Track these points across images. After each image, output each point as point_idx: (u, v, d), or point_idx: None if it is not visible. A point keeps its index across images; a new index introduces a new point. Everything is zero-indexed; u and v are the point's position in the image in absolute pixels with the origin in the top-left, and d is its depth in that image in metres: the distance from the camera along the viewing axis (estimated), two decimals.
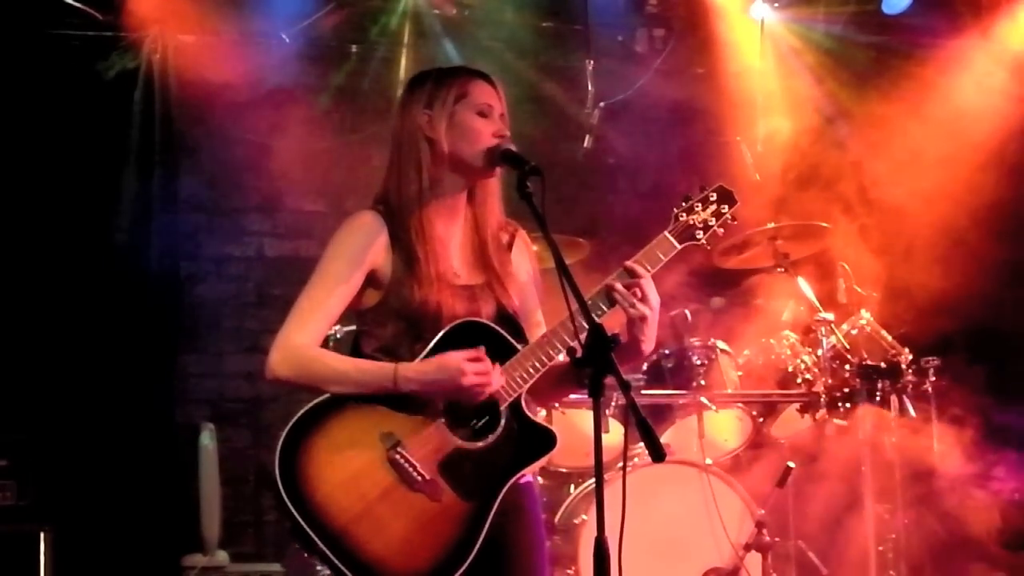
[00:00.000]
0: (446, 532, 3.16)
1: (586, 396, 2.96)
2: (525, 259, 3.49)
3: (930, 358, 5.89)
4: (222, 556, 6.27)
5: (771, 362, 5.96)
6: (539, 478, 5.59)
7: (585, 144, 6.56)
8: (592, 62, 6.62)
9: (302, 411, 3.19)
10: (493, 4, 6.93)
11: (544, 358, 3.25)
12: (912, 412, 5.81)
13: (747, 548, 5.19)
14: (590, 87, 6.59)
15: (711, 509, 5.23)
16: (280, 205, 6.94)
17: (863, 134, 7.22)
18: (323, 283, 3.29)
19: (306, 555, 3.17)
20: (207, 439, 6.44)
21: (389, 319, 3.30)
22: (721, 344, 5.89)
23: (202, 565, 6.19)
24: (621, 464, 5.12)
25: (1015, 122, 6.94)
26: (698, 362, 5.70)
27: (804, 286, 6.01)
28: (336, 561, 3.09)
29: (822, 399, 5.74)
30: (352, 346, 3.42)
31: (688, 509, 5.26)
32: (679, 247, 3.36)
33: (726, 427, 5.89)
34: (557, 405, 5.40)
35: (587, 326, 3.00)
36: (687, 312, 5.86)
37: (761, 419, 5.93)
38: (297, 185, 6.82)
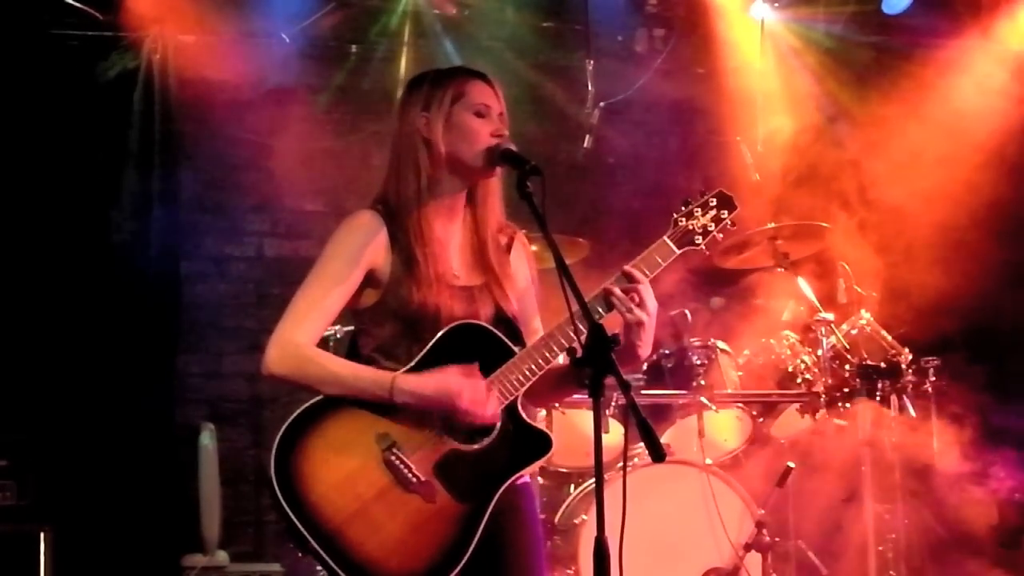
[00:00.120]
0: (441, 533, 3.16)
1: (586, 396, 2.96)
2: (523, 263, 3.49)
3: (930, 358, 5.90)
4: (222, 556, 6.28)
5: (771, 362, 5.97)
6: (539, 478, 5.61)
7: (585, 144, 6.56)
8: (592, 62, 6.62)
9: (298, 411, 3.19)
10: (493, 4, 6.93)
11: (541, 361, 3.25)
12: (912, 412, 5.82)
13: (747, 548, 5.19)
14: (590, 87, 6.59)
15: (711, 509, 5.23)
16: (280, 205, 6.94)
17: (863, 134, 7.22)
18: (321, 282, 3.29)
19: (300, 555, 3.16)
20: (207, 439, 6.44)
21: (387, 319, 3.30)
22: (721, 344, 5.89)
23: (202, 565, 6.19)
24: (621, 464, 5.12)
25: (1015, 122, 6.94)
26: (698, 362, 5.70)
27: (804, 286, 6.01)
28: (330, 561, 3.10)
29: (822, 399, 5.74)
30: (349, 346, 3.42)
31: (688, 509, 5.26)
32: (678, 252, 3.35)
33: (726, 427, 5.89)
34: (557, 405, 5.40)
35: (587, 326, 3.00)
36: (687, 312, 5.86)
37: (761, 419, 5.93)
38: (297, 185, 6.82)
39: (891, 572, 5.79)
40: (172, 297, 6.66)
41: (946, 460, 5.98)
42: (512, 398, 3.25)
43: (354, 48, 7.01)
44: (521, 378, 3.24)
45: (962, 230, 6.74)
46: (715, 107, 7.11)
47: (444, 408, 3.17)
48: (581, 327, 3.09)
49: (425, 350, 3.23)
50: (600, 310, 3.23)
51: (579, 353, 3.00)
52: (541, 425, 3.52)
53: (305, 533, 3.09)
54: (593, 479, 4.65)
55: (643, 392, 5.59)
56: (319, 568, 3.16)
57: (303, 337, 3.25)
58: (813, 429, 5.91)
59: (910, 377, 5.77)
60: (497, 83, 3.43)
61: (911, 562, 5.94)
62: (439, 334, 3.24)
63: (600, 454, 2.88)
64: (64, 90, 6.22)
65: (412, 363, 3.23)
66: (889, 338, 5.91)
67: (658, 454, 2.85)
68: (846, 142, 7.28)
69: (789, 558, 5.96)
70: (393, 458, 3.17)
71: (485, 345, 3.26)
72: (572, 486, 5.79)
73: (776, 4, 7.07)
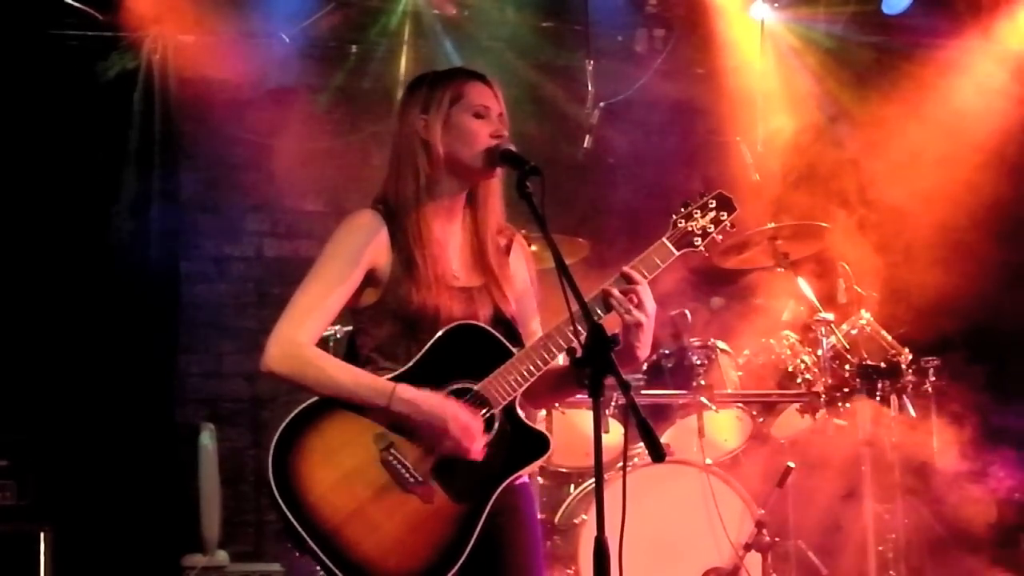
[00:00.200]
0: (438, 534, 3.16)
1: (586, 396, 2.96)
2: (522, 265, 3.49)
3: (930, 358, 5.90)
4: (222, 556, 6.27)
5: (771, 362, 5.97)
6: (539, 478, 5.61)
7: (585, 144, 6.56)
8: (592, 62, 6.62)
9: (297, 410, 3.19)
10: (493, 4, 6.93)
11: (539, 362, 3.25)
12: (912, 412, 5.82)
13: (747, 548, 5.19)
14: (590, 87, 6.59)
15: (711, 509, 5.23)
16: (280, 205, 6.94)
17: (863, 134, 7.22)
18: (322, 281, 3.29)
19: (298, 554, 3.16)
20: (207, 439, 6.44)
21: (386, 319, 3.30)
22: (721, 344, 5.90)
23: (202, 565, 6.19)
24: (621, 464, 5.12)
25: (1015, 122, 6.94)
26: (698, 362, 5.70)
27: (804, 286, 6.01)
28: (327, 561, 3.10)
29: (822, 399, 5.75)
30: (347, 344, 3.42)
31: (688, 509, 5.26)
32: (677, 254, 3.35)
33: (726, 427, 5.89)
34: (557, 405, 5.40)
35: (587, 326, 3.00)
36: (687, 312, 5.86)
37: (761, 419, 5.93)
38: (297, 185, 6.82)
39: (891, 572, 5.79)
40: (172, 297, 6.66)
41: (946, 460, 5.98)
42: (510, 399, 3.25)
43: (354, 48, 7.01)
44: (519, 379, 3.24)
45: (962, 230, 6.74)
46: (715, 107, 7.11)
47: (435, 428, 3.16)
48: (580, 328, 3.10)
49: (424, 350, 3.23)
50: (599, 311, 3.23)
51: (579, 353, 3.00)
52: (540, 426, 3.52)
53: (303, 533, 3.09)
54: (593, 479, 4.65)
55: (643, 392, 5.59)
56: (318, 568, 3.16)
57: (303, 336, 3.25)
58: (813, 429, 5.91)
59: (910, 377, 5.77)
60: (497, 84, 3.43)
61: (911, 561, 5.94)
62: (437, 335, 3.24)
63: (600, 454, 2.88)
64: (64, 90, 6.22)
65: (410, 363, 3.23)
66: (889, 338, 5.91)
67: (658, 454, 2.85)
68: (846, 142, 7.28)
69: (789, 558, 5.97)
70: (391, 458, 3.17)
71: (483, 346, 3.26)
72: (572, 486, 5.79)
73: (776, 4, 7.07)
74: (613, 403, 5.33)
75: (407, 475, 3.17)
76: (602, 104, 6.61)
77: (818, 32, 7.18)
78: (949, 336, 6.58)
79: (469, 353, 3.25)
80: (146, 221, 6.50)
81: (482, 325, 3.29)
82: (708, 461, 5.45)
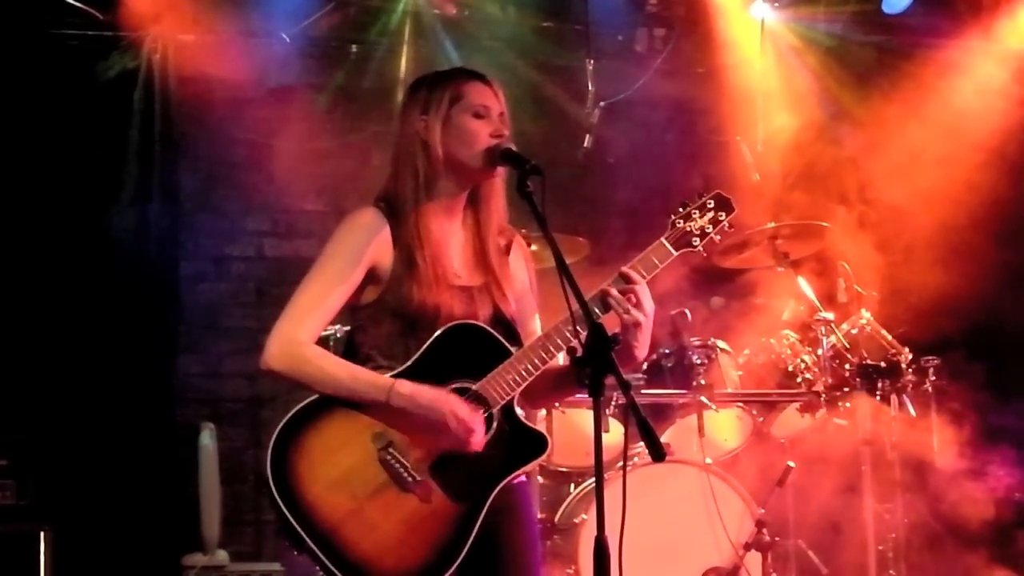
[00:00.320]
0: (436, 533, 3.17)
1: (586, 395, 2.97)
2: (522, 266, 3.50)
3: (930, 357, 5.90)
4: (222, 556, 6.27)
5: (771, 361, 5.97)
6: (539, 477, 5.61)
7: (585, 144, 6.56)
8: (592, 62, 6.62)
9: (295, 409, 3.20)
10: (493, 4, 6.92)
11: (538, 361, 3.26)
12: (912, 411, 5.82)
13: (747, 548, 5.19)
14: (590, 87, 6.59)
15: (711, 509, 5.23)
16: (280, 205, 6.94)
17: (863, 134, 7.22)
18: (323, 280, 3.29)
19: (296, 553, 3.16)
20: (207, 439, 6.44)
21: (385, 317, 3.30)
22: (721, 343, 5.89)
23: (202, 565, 6.18)
24: (621, 464, 5.12)
25: (1015, 122, 6.93)
26: (698, 361, 5.70)
27: (804, 285, 6.01)
28: (325, 560, 3.10)
29: (822, 398, 5.75)
30: (346, 342, 3.42)
31: (688, 509, 5.26)
32: (675, 254, 3.36)
33: (726, 427, 5.89)
34: (557, 404, 5.40)
35: (587, 326, 3.00)
36: (687, 311, 5.86)
37: (761, 419, 5.93)
38: (297, 185, 6.81)
39: (891, 571, 5.79)
40: (172, 297, 6.66)
41: (946, 459, 5.98)
42: (508, 398, 3.25)
43: (354, 48, 7.00)
44: (517, 378, 3.24)
45: (962, 230, 6.74)
46: (715, 107, 7.11)
47: (434, 422, 3.17)
48: (580, 328, 3.10)
49: (422, 349, 3.24)
50: (598, 311, 3.23)
51: (579, 352, 3.00)
52: (540, 427, 3.52)
53: (301, 532, 3.10)
54: (593, 478, 4.64)
55: (643, 392, 5.58)
56: (317, 568, 3.16)
57: (303, 335, 3.25)
58: (813, 428, 5.91)
59: (910, 376, 5.78)
60: (497, 83, 3.43)
61: (911, 561, 5.93)
62: (436, 334, 3.25)
63: (600, 454, 2.88)
64: (64, 90, 6.22)
65: (409, 362, 3.23)
66: (889, 337, 5.91)
67: (658, 453, 2.85)
68: (846, 142, 7.28)
69: (789, 558, 5.97)
70: (389, 457, 3.17)
71: (482, 345, 3.27)
72: (572, 486, 5.79)
73: (776, 4, 7.06)
74: (613, 402, 5.33)
75: (405, 474, 3.17)
76: (602, 104, 6.61)
77: (818, 31, 7.17)
78: (949, 336, 6.58)
79: (468, 352, 3.25)
80: (146, 221, 6.50)
81: (481, 325, 3.29)
82: (708, 461, 5.45)
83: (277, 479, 3.12)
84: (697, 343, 5.79)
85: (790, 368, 5.89)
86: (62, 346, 6.12)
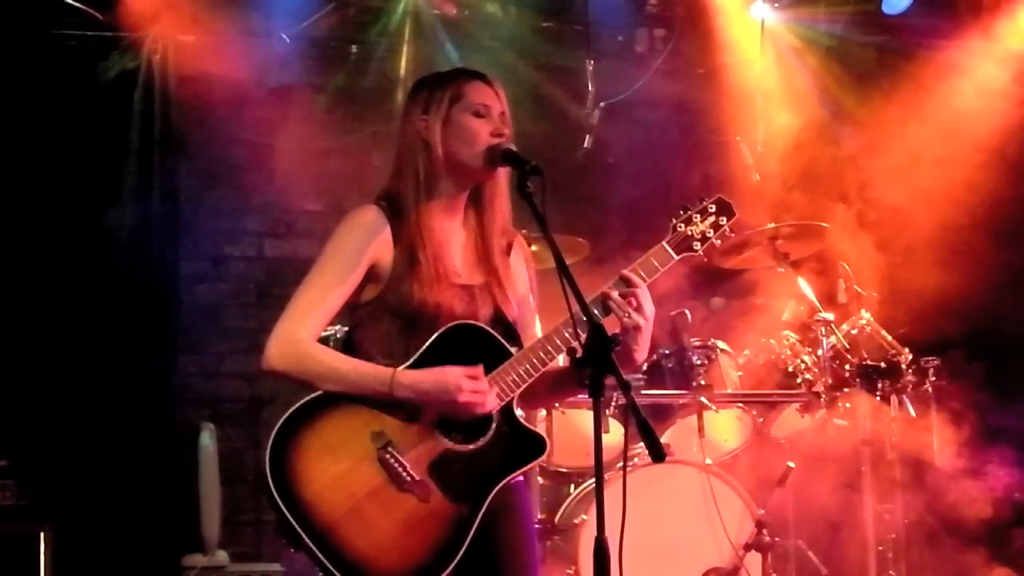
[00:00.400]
0: (434, 533, 3.17)
1: (586, 396, 2.97)
2: (522, 267, 3.50)
3: (930, 358, 5.90)
4: (222, 556, 6.27)
5: (771, 362, 5.97)
6: (539, 478, 5.61)
7: (585, 144, 6.56)
8: (592, 62, 6.62)
9: (294, 407, 3.20)
10: (493, 4, 6.92)
11: (538, 363, 3.26)
12: (912, 412, 5.82)
13: (747, 548, 5.19)
14: (590, 87, 6.59)
15: (711, 509, 5.23)
16: (280, 205, 6.94)
17: (863, 134, 7.22)
18: (323, 279, 3.30)
19: (293, 551, 3.16)
20: (207, 439, 6.44)
21: (385, 315, 3.31)
22: (721, 344, 5.89)
23: (202, 565, 6.18)
24: (621, 464, 5.12)
25: (1015, 122, 6.94)
26: (698, 362, 5.70)
27: (804, 286, 6.01)
28: (323, 558, 3.10)
29: (822, 399, 5.75)
30: (344, 340, 3.43)
31: (688, 509, 5.26)
32: (676, 258, 3.37)
33: (726, 427, 5.89)
34: (557, 405, 5.40)
35: (588, 326, 3.00)
36: (687, 312, 5.86)
37: (761, 419, 5.93)
38: (297, 185, 6.81)
39: (891, 571, 5.79)
40: (172, 297, 6.66)
41: (946, 459, 5.98)
42: (508, 399, 3.26)
43: (354, 48, 7.00)
44: (517, 379, 3.25)
45: (962, 230, 6.74)
46: (715, 107, 7.11)
47: (443, 402, 3.17)
48: (580, 331, 3.10)
49: (423, 349, 3.24)
50: (598, 314, 3.23)
51: (579, 353, 3.00)
52: (540, 428, 3.53)
53: (299, 529, 3.10)
54: (593, 479, 4.64)
55: (643, 392, 5.58)
56: (315, 567, 3.16)
57: (304, 333, 3.26)
58: (813, 428, 5.91)
59: (910, 377, 5.78)
60: (499, 83, 3.43)
61: (911, 561, 5.94)
62: (436, 334, 3.25)
63: (600, 454, 2.88)
64: (64, 90, 6.22)
65: (409, 362, 3.23)
66: (889, 338, 5.91)
67: (658, 454, 2.85)
68: (846, 142, 7.28)
69: (789, 558, 5.97)
70: (388, 457, 3.17)
71: (482, 346, 3.27)
72: (572, 486, 5.79)
73: (776, 4, 7.07)
74: (613, 403, 5.33)
75: (404, 474, 3.17)
76: (602, 104, 6.62)
77: (818, 32, 7.18)
78: (949, 336, 6.58)
79: (468, 353, 3.25)
80: (146, 221, 6.50)
81: (481, 325, 3.30)
82: (708, 461, 5.45)
83: (276, 477, 3.12)
84: (697, 343, 5.79)
85: (790, 368, 5.89)
86: (62, 346, 6.12)
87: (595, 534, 2.84)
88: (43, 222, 6.17)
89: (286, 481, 3.13)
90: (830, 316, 5.83)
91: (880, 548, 5.78)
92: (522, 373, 3.25)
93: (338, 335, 5.17)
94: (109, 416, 6.14)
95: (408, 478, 3.17)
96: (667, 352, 5.79)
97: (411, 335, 3.27)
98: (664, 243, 3.37)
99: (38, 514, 5.47)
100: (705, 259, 3.42)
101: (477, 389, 3.18)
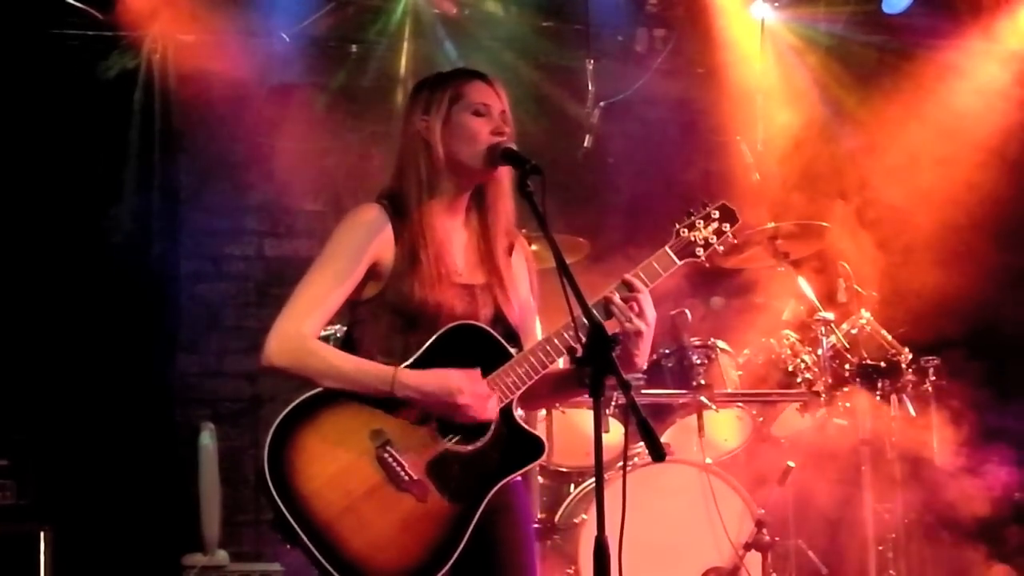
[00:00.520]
0: (430, 533, 3.17)
1: (587, 395, 2.97)
2: (523, 268, 3.51)
3: (930, 357, 5.90)
4: (222, 556, 6.27)
5: (771, 361, 5.97)
6: (539, 478, 5.61)
7: (585, 144, 6.56)
8: (592, 62, 6.62)
9: (294, 403, 3.20)
10: (493, 4, 6.92)
11: (538, 364, 3.26)
12: (912, 411, 5.82)
13: (747, 548, 5.19)
14: (590, 87, 6.59)
15: (711, 509, 5.23)
16: (280, 205, 6.94)
17: (863, 133, 7.22)
18: (324, 277, 3.29)
19: (289, 547, 3.16)
20: (207, 439, 6.44)
21: (385, 313, 3.31)
22: (721, 344, 5.89)
23: (202, 565, 6.18)
24: (621, 464, 5.12)
25: (1015, 122, 6.94)
26: (698, 361, 5.70)
27: (804, 285, 6.01)
28: (318, 555, 3.10)
29: (822, 398, 5.75)
30: (344, 338, 3.43)
31: (688, 509, 5.25)
32: (679, 263, 3.39)
33: (726, 427, 5.89)
34: (557, 404, 5.40)
35: (588, 325, 3.01)
36: (687, 311, 5.86)
37: (761, 418, 5.93)
38: (297, 184, 6.81)
39: (891, 571, 5.79)
40: (173, 296, 6.66)
41: (945, 459, 5.98)
42: (507, 401, 3.26)
43: (354, 47, 7.00)
44: (517, 381, 3.25)
45: (962, 230, 6.74)
46: (715, 107, 7.11)
47: (444, 403, 3.17)
48: (581, 333, 3.10)
49: (423, 348, 3.24)
50: (597, 315, 3.24)
51: (579, 353, 3.01)
52: (539, 430, 3.53)
53: (295, 526, 3.10)
54: (593, 479, 4.64)
55: (643, 392, 5.57)
56: (311, 564, 3.16)
57: (305, 329, 3.26)
58: (813, 428, 5.91)
59: (910, 376, 5.78)
60: (499, 82, 3.44)
61: (911, 560, 5.94)
62: (437, 334, 3.25)
63: (600, 454, 2.89)
64: (64, 90, 6.22)
65: (409, 361, 3.23)
66: (889, 337, 5.91)
67: (658, 454, 2.85)
68: (846, 142, 7.28)
69: (789, 558, 5.97)
70: (386, 456, 3.17)
71: (483, 347, 3.27)
72: (572, 486, 5.78)
73: (776, 3, 7.06)
74: (613, 403, 5.33)
75: (402, 473, 3.17)
76: (602, 104, 6.62)
77: (818, 31, 7.18)
78: (949, 336, 6.58)
79: (468, 353, 3.25)
80: (146, 220, 6.50)
81: (482, 326, 3.30)
82: (708, 461, 5.45)
83: (273, 473, 3.12)
84: (697, 343, 5.79)
85: (790, 368, 5.89)
86: (62, 346, 6.12)
87: (595, 534, 2.84)
88: (43, 222, 6.17)
89: (284, 477, 3.13)
90: (830, 316, 5.83)
91: (880, 547, 5.78)
92: (522, 375, 3.25)
93: (338, 335, 5.18)
94: (109, 416, 6.14)
95: (406, 477, 3.17)
96: (667, 351, 5.79)
97: (411, 334, 3.27)
98: (667, 248, 3.38)
99: (38, 514, 5.47)
100: (707, 265, 3.43)
101: (478, 394, 3.18)
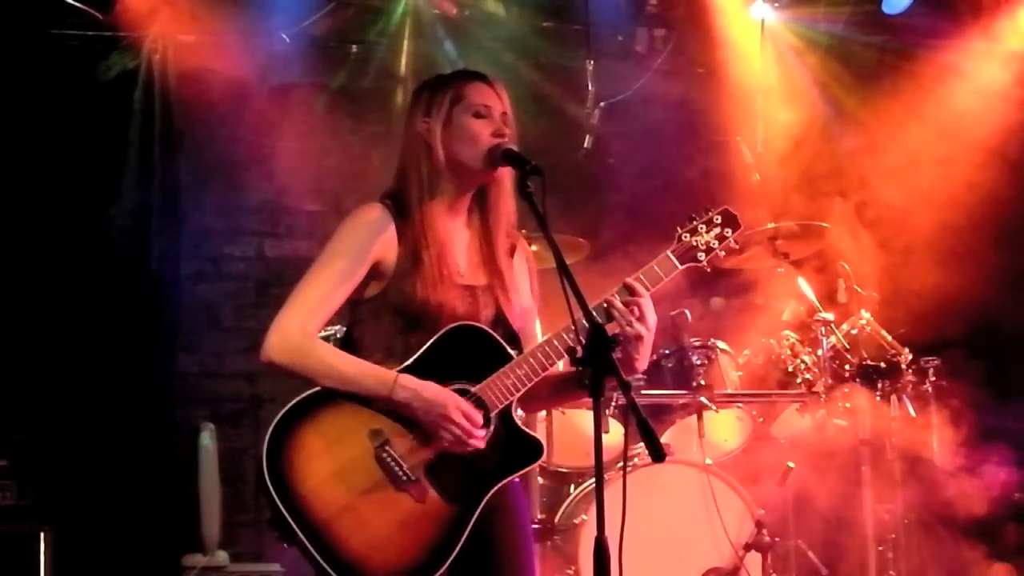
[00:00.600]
0: (428, 533, 3.18)
1: (587, 396, 2.97)
2: (524, 269, 3.51)
3: (930, 358, 5.90)
4: (222, 556, 6.27)
5: (771, 362, 5.97)
6: (539, 478, 5.61)
7: (585, 144, 6.56)
8: (592, 62, 6.62)
9: (294, 401, 3.20)
10: (493, 4, 6.92)
11: (538, 367, 3.27)
12: (912, 412, 5.82)
13: (747, 548, 5.19)
14: (590, 87, 6.59)
15: (711, 509, 5.23)
16: (280, 205, 6.94)
17: (863, 134, 7.22)
18: (326, 275, 3.30)
19: (286, 545, 3.16)
20: (207, 439, 6.43)
21: (386, 313, 3.31)
22: (721, 344, 5.89)
23: (202, 565, 6.18)
24: (621, 464, 5.12)
25: (1015, 122, 6.94)
26: (698, 362, 5.70)
27: (804, 286, 6.01)
28: (315, 554, 3.11)
29: (822, 399, 5.75)
30: (344, 336, 3.43)
31: (688, 509, 5.26)
32: (680, 268, 3.40)
33: (726, 427, 5.89)
34: (558, 406, 5.40)
35: (588, 326, 3.01)
36: (687, 311, 5.86)
37: (761, 419, 5.93)
38: (297, 185, 6.81)
39: (891, 571, 5.79)
40: (173, 297, 6.66)
41: (945, 459, 5.98)
42: (507, 403, 3.26)
43: (354, 47, 7.00)
44: (516, 383, 3.25)
45: (962, 231, 6.74)
46: (715, 107, 7.10)
47: (437, 414, 3.17)
48: (582, 336, 3.11)
49: (424, 348, 3.24)
50: (597, 316, 3.24)
51: (579, 353, 3.01)
52: (539, 430, 3.54)
53: (293, 524, 3.10)
54: (593, 479, 4.64)
55: (643, 392, 5.58)
56: (308, 562, 3.16)
57: (307, 327, 3.26)
58: (813, 428, 5.91)
59: (910, 377, 5.78)
60: (500, 83, 3.44)
61: (911, 561, 5.94)
62: (438, 334, 3.25)
63: (600, 454, 2.89)
64: (64, 90, 6.22)
65: (409, 361, 3.24)
66: (889, 338, 5.91)
67: (658, 454, 2.86)
68: (846, 142, 7.28)
69: (789, 557, 5.97)
70: (385, 455, 3.18)
71: (483, 348, 3.28)
72: (572, 486, 5.79)
73: (776, 4, 7.06)
74: (613, 403, 5.33)
75: (400, 473, 3.18)
76: (602, 104, 6.61)
77: (818, 32, 7.17)
78: (949, 336, 6.58)
79: (469, 354, 3.26)
80: (146, 221, 6.50)
81: (483, 327, 3.30)
82: (708, 461, 5.45)
83: (272, 470, 3.12)
84: (697, 343, 5.79)
85: (790, 368, 5.89)
86: (62, 346, 6.11)
87: (595, 534, 2.84)
88: (43, 222, 6.17)
89: (282, 475, 3.13)
90: (830, 316, 5.83)
91: (880, 547, 5.78)
92: (522, 377, 3.25)
93: (337, 335, 5.17)
94: (109, 416, 6.13)
95: (404, 477, 3.18)
96: (667, 352, 5.79)
97: (412, 334, 3.27)
98: (669, 252, 3.39)
99: (38, 514, 5.47)
100: (708, 270, 3.44)
101: (472, 418, 3.18)
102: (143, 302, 6.40)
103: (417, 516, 3.17)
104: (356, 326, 3.38)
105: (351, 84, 6.99)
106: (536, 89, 6.92)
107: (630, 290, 3.29)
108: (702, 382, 5.63)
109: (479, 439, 3.20)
